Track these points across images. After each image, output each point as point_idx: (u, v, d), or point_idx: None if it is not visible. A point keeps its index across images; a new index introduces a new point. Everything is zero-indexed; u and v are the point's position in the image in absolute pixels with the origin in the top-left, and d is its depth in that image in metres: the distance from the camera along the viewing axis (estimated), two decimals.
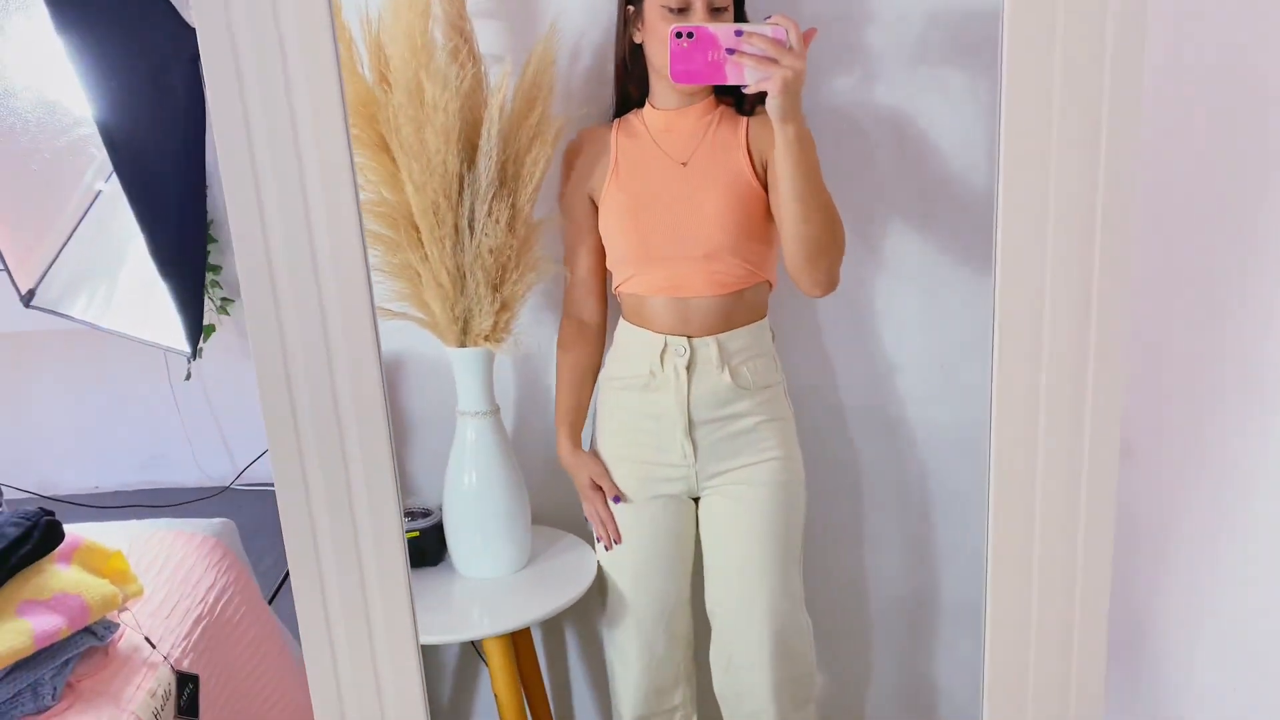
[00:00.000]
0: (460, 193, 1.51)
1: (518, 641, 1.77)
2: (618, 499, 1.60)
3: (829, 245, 1.43)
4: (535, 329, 1.74)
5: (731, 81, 1.26)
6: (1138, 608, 1.45)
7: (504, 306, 1.57)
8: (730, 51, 1.24)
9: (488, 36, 1.64)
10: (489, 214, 1.51)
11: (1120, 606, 1.51)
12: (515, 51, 1.64)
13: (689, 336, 1.52)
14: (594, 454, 1.65)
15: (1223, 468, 1.25)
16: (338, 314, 0.80)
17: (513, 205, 1.54)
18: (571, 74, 1.67)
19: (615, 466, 1.62)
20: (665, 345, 1.52)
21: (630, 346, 1.58)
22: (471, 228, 1.52)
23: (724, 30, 1.24)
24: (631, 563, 1.61)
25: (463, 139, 1.51)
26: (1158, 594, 1.41)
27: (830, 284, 1.47)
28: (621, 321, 1.61)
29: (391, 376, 1.82)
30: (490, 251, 1.52)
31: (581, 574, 1.66)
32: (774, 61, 1.24)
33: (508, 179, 1.55)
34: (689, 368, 1.52)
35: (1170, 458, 1.35)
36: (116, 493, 2.42)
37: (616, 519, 1.62)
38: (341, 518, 0.85)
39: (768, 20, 1.26)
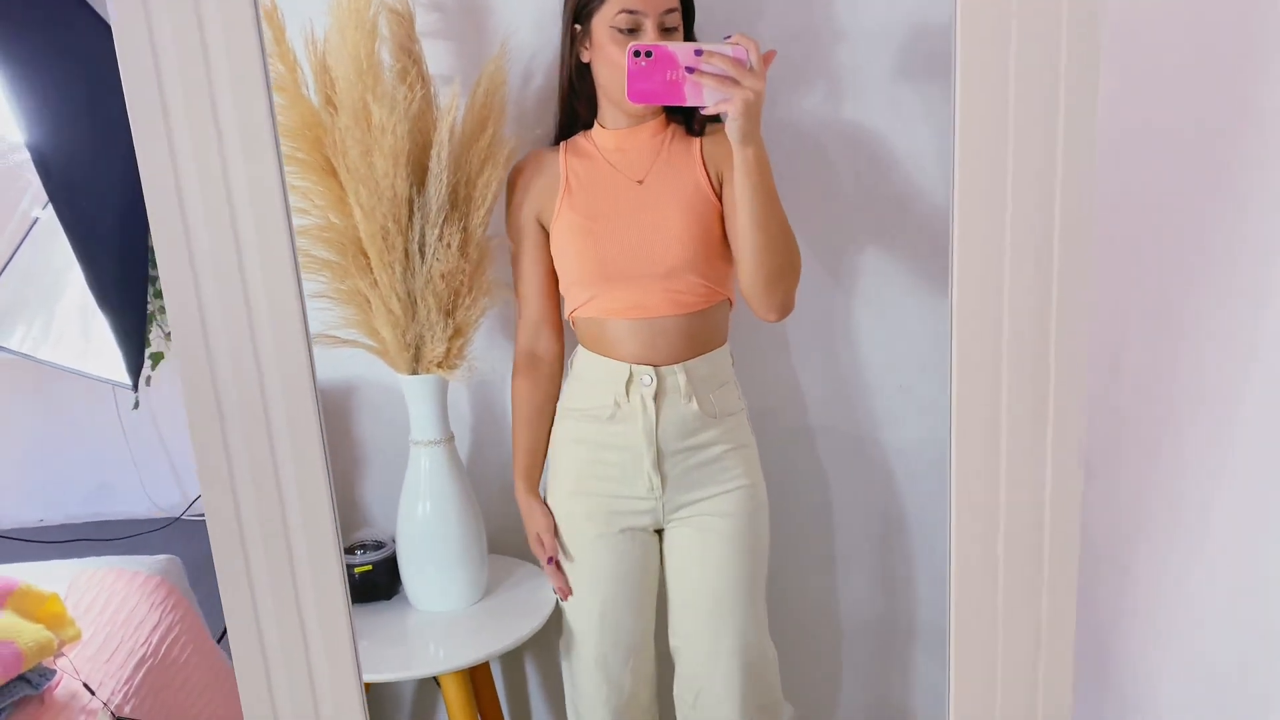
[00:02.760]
0: (410, 217, 1.48)
1: (476, 675, 1.73)
2: (551, 560, 1.56)
3: (786, 270, 1.41)
4: (490, 354, 1.71)
5: (690, 102, 1.23)
6: (1101, 628, 1.44)
7: (457, 332, 1.54)
8: (690, 71, 1.21)
9: (438, 57, 1.61)
10: (440, 238, 1.48)
11: (1083, 627, 1.49)
12: (466, 72, 1.61)
13: (654, 365, 1.48)
14: (544, 506, 1.58)
15: (1179, 485, 1.24)
16: (270, 343, 0.77)
17: (464, 229, 1.51)
18: (524, 95, 1.64)
19: (575, 502, 1.55)
20: (630, 375, 1.47)
21: (592, 376, 1.52)
22: (422, 252, 1.48)
23: (683, 49, 1.21)
24: (597, 601, 1.55)
25: (412, 162, 1.47)
26: (1121, 615, 1.39)
27: (785, 309, 1.44)
28: (580, 349, 1.55)
29: (345, 404, 1.77)
30: (442, 276, 1.49)
31: (540, 605, 1.63)
32: (734, 82, 1.21)
33: (459, 202, 1.52)
34: (656, 397, 1.48)
35: (1129, 478, 1.34)
36: (63, 525, 2.35)
37: (582, 554, 1.55)
38: (277, 553, 0.82)
39: (727, 40, 1.23)
